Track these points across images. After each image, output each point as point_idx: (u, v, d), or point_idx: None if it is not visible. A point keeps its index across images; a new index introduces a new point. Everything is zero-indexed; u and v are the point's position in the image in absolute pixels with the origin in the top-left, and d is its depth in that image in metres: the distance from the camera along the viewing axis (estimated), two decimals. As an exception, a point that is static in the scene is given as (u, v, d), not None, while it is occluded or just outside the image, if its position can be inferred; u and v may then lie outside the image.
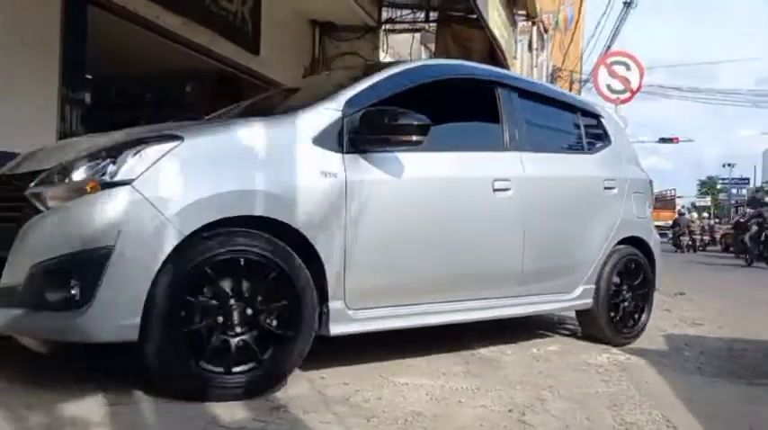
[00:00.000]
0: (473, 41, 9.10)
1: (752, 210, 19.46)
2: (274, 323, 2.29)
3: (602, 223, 3.65)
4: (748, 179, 50.75)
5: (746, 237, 15.52)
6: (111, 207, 2.06)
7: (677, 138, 32.85)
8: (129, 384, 2.24)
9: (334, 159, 2.49)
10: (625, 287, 3.76)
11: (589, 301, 3.59)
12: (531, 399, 2.51)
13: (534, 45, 13.46)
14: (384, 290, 2.68)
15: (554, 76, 23.32)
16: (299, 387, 2.45)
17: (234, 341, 2.21)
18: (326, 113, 2.54)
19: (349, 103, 2.59)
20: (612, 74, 10.22)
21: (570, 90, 23.80)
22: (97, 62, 5.32)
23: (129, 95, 8.73)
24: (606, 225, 3.67)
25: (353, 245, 2.50)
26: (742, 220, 18.15)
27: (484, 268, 3.10)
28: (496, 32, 7.66)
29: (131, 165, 2.10)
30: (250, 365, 2.23)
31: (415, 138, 2.56)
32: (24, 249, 2.10)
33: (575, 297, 3.53)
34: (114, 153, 2.14)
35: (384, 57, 9.34)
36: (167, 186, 2.13)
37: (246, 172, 2.30)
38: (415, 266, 2.79)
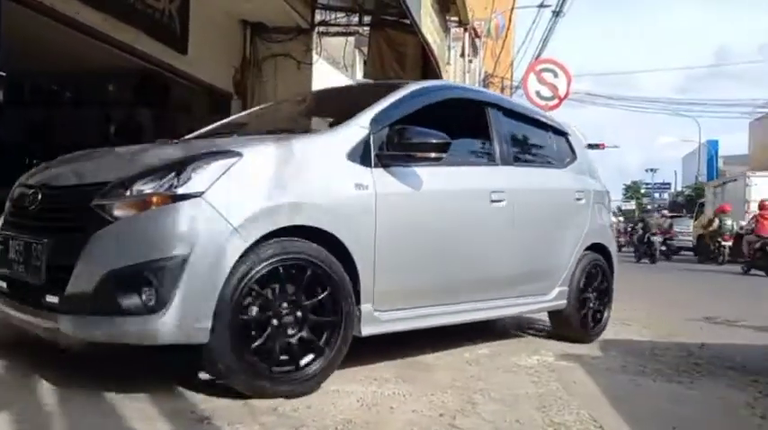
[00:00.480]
0: (407, 46, 9.15)
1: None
2: (320, 323, 2.49)
3: (573, 231, 4.01)
4: (669, 184, 53.62)
5: (635, 239, 17.45)
6: (184, 218, 2.20)
7: (603, 144, 34.15)
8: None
9: (365, 173, 2.71)
10: (591, 289, 4.08)
11: (563, 302, 3.88)
12: (463, 403, 2.51)
13: (467, 51, 13.62)
14: (404, 293, 2.91)
15: (486, 83, 23.88)
16: (227, 398, 2.35)
17: (288, 341, 2.40)
18: (357, 131, 2.77)
19: (374, 121, 2.83)
20: (541, 81, 10.50)
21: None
22: (11, 58, 5.01)
23: (46, 93, 8.27)
24: (576, 233, 4.02)
25: (381, 252, 2.72)
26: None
27: (485, 272, 3.39)
28: (429, 38, 7.72)
29: (200, 179, 2.26)
30: (306, 361, 2.44)
31: (435, 154, 2.85)
32: (95, 258, 2.19)
33: (551, 298, 3.83)
34: (179, 167, 2.28)
35: (317, 60, 9.25)
36: (232, 199, 2.29)
37: (296, 185, 2.50)
38: (429, 271, 3.04)
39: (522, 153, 3.86)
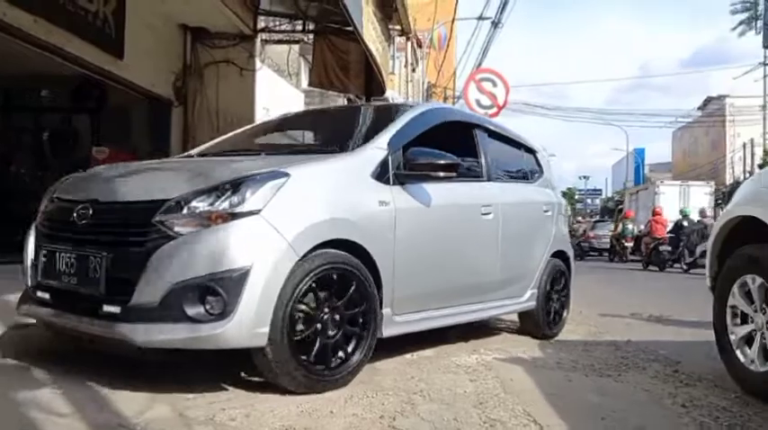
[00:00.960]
0: (350, 54, 9.18)
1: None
2: (356, 325, 2.77)
3: (542, 240, 4.44)
4: (601, 190, 55.75)
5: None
6: (246, 234, 2.42)
7: (542, 153, 35.22)
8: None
9: (386, 191, 3.00)
10: (554, 291, 4.53)
11: (533, 303, 4.30)
12: (402, 404, 2.52)
13: (409, 60, 13.79)
14: (415, 298, 3.20)
15: (429, 93, 24.19)
16: (160, 409, 2.30)
17: (330, 342, 2.65)
18: (378, 152, 3.06)
19: (390, 143, 3.12)
20: (481, 89, 10.70)
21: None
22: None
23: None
24: (545, 241, 4.46)
25: (398, 262, 3.01)
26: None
27: (477, 278, 3.77)
28: (371, 46, 7.76)
29: (256, 198, 2.47)
30: (338, 359, 2.69)
31: (443, 174, 3.17)
32: (160, 271, 2.35)
33: (525, 300, 4.23)
34: (233, 187, 2.48)
35: (260, 66, 9.18)
36: (284, 216, 2.52)
37: (333, 202, 2.77)
38: (435, 278, 3.37)
39: (503, 169, 4.21)
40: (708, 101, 45.39)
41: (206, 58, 8.18)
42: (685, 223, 14.49)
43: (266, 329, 2.42)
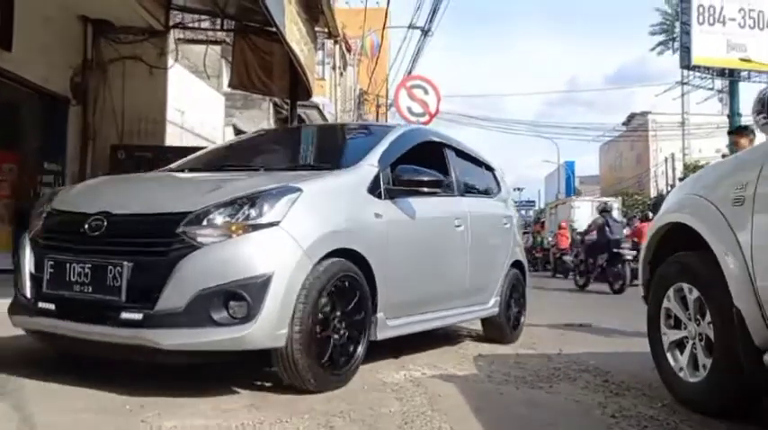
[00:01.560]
0: (273, 55, 8.77)
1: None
2: (355, 328, 2.98)
3: (503, 250, 4.79)
4: (534, 201, 57.34)
5: None
6: (267, 243, 2.62)
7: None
8: None
9: (379, 204, 3.25)
10: (513, 298, 4.83)
11: (497, 309, 4.58)
12: (320, 428, 2.29)
13: (338, 64, 13.51)
14: (403, 303, 3.44)
15: (361, 100, 24.06)
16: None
17: (339, 343, 2.88)
18: (370, 169, 3.31)
19: (380, 161, 3.37)
20: (412, 97, 10.57)
21: (377, 113, 24.79)
22: None
23: None
24: (506, 252, 4.81)
25: (391, 270, 3.23)
26: None
27: (453, 285, 4.06)
28: (295, 47, 7.36)
29: (276, 210, 2.67)
30: (344, 359, 2.91)
31: (428, 189, 3.50)
32: (185, 278, 2.50)
33: (489, 306, 4.52)
34: (251, 201, 2.66)
35: (172, 65, 8.57)
36: (300, 227, 2.72)
37: (338, 214, 3.00)
38: (419, 285, 3.63)
39: (469, 185, 4.53)
40: (632, 116, 47.72)
41: (110, 54, 7.56)
42: (609, 223, 12.30)
43: (286, 331, 2.61)
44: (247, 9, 8.28)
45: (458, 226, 4.02)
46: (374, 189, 3.25)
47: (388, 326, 3.27)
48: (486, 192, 4.87)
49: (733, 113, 22.98)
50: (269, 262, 2.58)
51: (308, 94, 9.46)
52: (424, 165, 3.54)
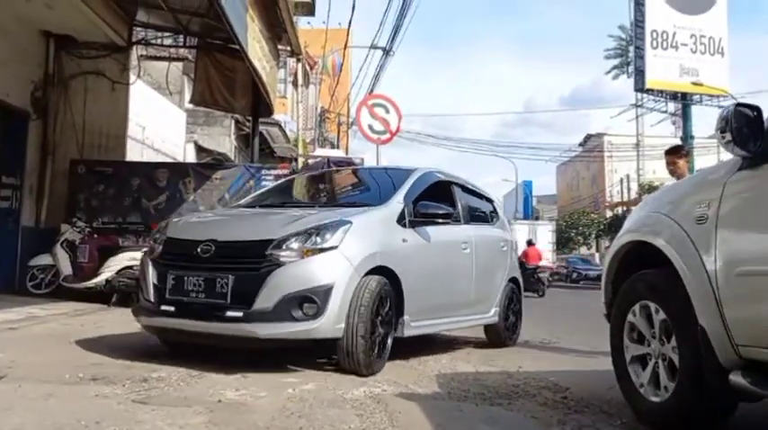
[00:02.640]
0: (236, 72, 8.80)
1: None
2: (388, 326, 3.93)
3: (502, 268, 5.70)
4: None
5: None
6: (330, 262, 3.60)
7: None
8: None
9: (405, 232, 4.22)
10: (511, 308, 5.74)
11: (497, 318, 5.48)
12: None
13: (300, 81, 13.56)
14: (422, 309, 4.32)
15: (323, 118, 24.13)
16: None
17: (380, 336, 3.82)
18: (398, 205, 4.30)
19: (404, 198, 4.37)
20: (374, 115, 10.63)
21: (338, 130, 24.89)
22: None
23: None
24: (503, 269, 5.72)
25: (413, 282, 4.14)
26: None
27: (460, 296, 4.98)
28: (257, 64, 7.43)
29: (335, 238, 3.65)
30: (381, 349, 3.84)
31: (442, 220, 4.49)
32: (273, 287, 3.46)
33: (490, 315, 5.42)
34: (316, 231, 3.66)
35: (134, 80, 8.51)
36: (351, 250, 3.67)
37: (376, 240, 3.94)
38: (435, 295, 4.55)
39: (472, 214, 5.43)
40: (588, 138, 49.01)
41: (72, 69, 7.45)
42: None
43: (342, 325, 3.54)
44: (210, 26, 8.30)
45: (464, 248, 4.95)
46: (401, 220, 4.21)
47: (411, 327, 4.17)
48: (486, 220, 5.79)
49: (686, 136, 23.86)
50: (331, 275, 3.54)
51: (269, 111, 9.50)
52: (436, 199, 4.51)
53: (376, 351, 3.73)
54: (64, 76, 7.39)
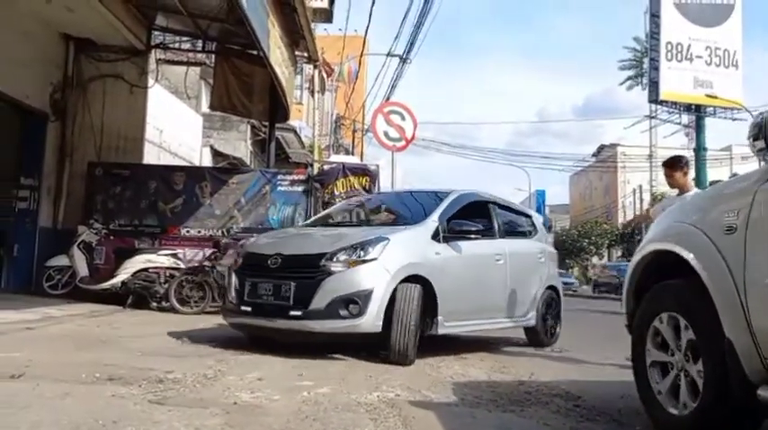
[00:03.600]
0: (254, 77, 8.85)
1: None
2: (425, 324, 4.69)
3: (539, 277, 6.33)
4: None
5: None
6: (371, 271, 4.40)
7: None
8: None
9: (439, 246, 4.90)
10: (548, 313, 6.38)
11: (534, 322, 6.13)
12: None
13: (316, 88, 13.61)
14: (455, 312, 4.96)
15: (338, 124, 24.23)
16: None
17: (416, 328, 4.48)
18: (433, 223, 4.98)
19: (439, 217, 5.04)
20: (389, 122, 10.64)
21: (353, 137, 24.97)
22: None
23: None
24: (541, 278, 6.35)
25: (446, 288, 4.78)
26: None
27: (493, 302, 5.58)
28: (278, 70, 7.48)
29: (375, 251, 4.45)
30: (418, 343, 4.52)
31: (474, 236, 5.17)
32: (326, 291, 4.32)
33: (529, 318, 6.07)
34: (360, 246, 4.49)
35: (153, 84, 8.60)
36: (389, 261, 4.45)
37: (412, 253, 4.69)
38: (466, 300, 5.13)
39: (509, 230, 6.12)
40: (601, 148, 48.72)
41: (91, 72, 7.54)
42: None
43: (381, 322, 4.31)
44: (229, 31, 8.37)
45: (498, 260, 5.56)
46: (435, 236, 4.89)
47: (445, 326, 4.83)
48: (523, 234, 6.48)
49: (699, 147, 23.64)
50: (371, 281, 4.33)
51: (286, 116, 9.54)
52: (474, 217, 5.25)
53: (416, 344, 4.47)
54: (83, 78, 7.50)
